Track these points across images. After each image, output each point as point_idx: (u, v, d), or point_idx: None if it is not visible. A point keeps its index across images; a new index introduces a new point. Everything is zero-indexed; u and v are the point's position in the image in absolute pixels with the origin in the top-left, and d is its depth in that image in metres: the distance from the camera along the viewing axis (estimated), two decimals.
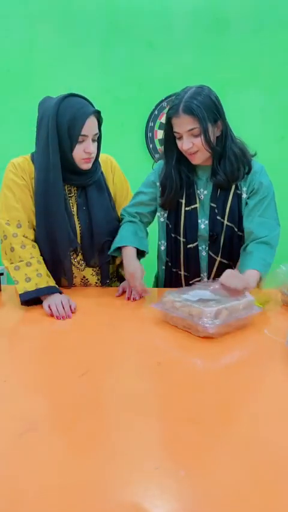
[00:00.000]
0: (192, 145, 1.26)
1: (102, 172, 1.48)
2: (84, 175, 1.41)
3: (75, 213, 1.44)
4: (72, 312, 1.26)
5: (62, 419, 0.77)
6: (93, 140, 1.34)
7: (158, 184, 1.43)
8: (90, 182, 1.42)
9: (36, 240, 1.41)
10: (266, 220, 1.34)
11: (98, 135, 1.36)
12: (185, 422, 0.76)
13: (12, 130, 2.50)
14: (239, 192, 1.35)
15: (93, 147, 1.33)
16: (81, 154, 1.33)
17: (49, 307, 1.26)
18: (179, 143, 1.29)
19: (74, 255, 1.47)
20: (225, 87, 2.37)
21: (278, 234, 1.36)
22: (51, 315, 1.25)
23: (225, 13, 2.36)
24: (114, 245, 1.42)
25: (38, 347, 1.08)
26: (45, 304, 1.28)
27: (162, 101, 2.44)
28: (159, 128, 2.49)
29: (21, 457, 0.67)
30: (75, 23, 2.39)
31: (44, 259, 1.40)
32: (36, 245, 1.40)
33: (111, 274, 1.58)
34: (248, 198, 1.35)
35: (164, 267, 1.51)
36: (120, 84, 2.43)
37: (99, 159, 1.46)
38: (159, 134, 2.50)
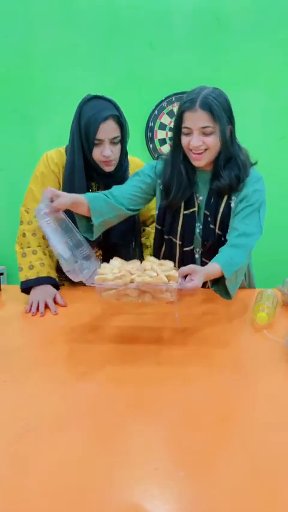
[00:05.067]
0: (202, 144, 1.21)
1: (129, 174, 1.49)
2: (109, 177, 1.42)
3: None
4: (61, 305, 1.33)
5: (62, 419, 0.77)
6: (113, 143, 1.34)
7: (159, 181, 1.37)
8: (114, 184, 1.42)
9: None
10: (246, 227, 1.27)
11: (119, 138, 1.35)
12: (185, 423, 0.76)
13: (12, 130, 2.50)
14: (230, 201, 1.31)
15: (109, 150, 1.33)
16: (100, 157, 1.35)
17: (31, 304, 1.31)
18: (185, 139, 1.24)
19: (96, 249, 1.49)
20: (225, 87, 2.35)
21: (256, 239, 1.29)
22: (29, 311, 1.29)
23: (225, 13, 2.35)
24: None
25: (38, 347, 1.08)
26: (31, 296, 1.33)
27: (162, 101, 2.44)
28: (159, 128, 2.49)
29: (21, 457, 0.67)
30: (75, 23, 2.38)
31: None
32: None
33: None
34: (235, 205, 1.31)
35: None
36: (120, 84, 2.42)
37: (132, 162, 1.49)
38: (159, 134, 2.50)
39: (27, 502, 0.59)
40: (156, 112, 2.47)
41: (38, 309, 1.29)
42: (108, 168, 1.38)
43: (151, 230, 1.61)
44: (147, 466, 0.65)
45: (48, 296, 1.33)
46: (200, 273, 1.08)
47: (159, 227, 1.41)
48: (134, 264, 1.12)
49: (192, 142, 1.22)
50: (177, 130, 1.26)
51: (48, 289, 1.35)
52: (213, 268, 1.16)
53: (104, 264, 1.12)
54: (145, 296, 1.04)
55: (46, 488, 0.61)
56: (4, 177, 2.59)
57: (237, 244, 1.25)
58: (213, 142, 1.22)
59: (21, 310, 1.32)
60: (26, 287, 1.36)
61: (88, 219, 1.24)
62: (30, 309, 1.29)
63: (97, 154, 1.34)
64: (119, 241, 1.48)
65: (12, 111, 2.48)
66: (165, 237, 1.40)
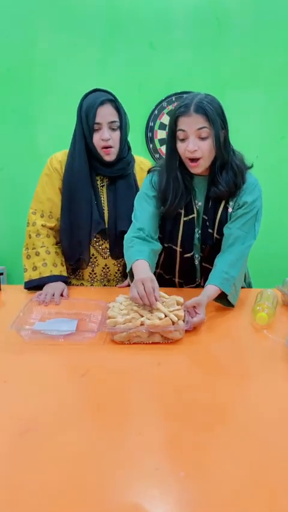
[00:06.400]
0: (198, 149, 1.20)
1: (135, 172, 1.52)
2: (111, 167, 1.46)
3: (105, 201, 1.49)
4: (65, 298, 1.39)
5: (62, 419, 0.77)
6: (112, 129, 1.39)
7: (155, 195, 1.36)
8: (117, 174, 1.47)
9: (60, 225, 1.50)
10: (242, 234, 1.30)
11: (117, 123, 1.39)
12: (185, 423, 0.76)
13: (12, 130, 2.50)
14: (227, 206, 1.32)
15: (107, 134, 1.37)
16: (100, 142, 1.39)
17: (40, 294, 1.38)
18: (182, 146, 1.23)
19: (101, 241, 1.51)
20: (225, 87, 2.36)
21: (250, 245, 1.31)
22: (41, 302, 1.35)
23: (225, 13, 2.35)
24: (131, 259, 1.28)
25: (38, 347, 1.08)
26: (44, 289, 1.41)
27: (162, 101, 2.44)
28: (159, 128, 2.49)
29: (21, 457, 0.67)
30: (75, 22, 2.38)
31: (66, 241, 1.49)
32: (51, 235, 1.50)
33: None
34: (233, 211, 1.32)
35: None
36: (120, 84, 2.42)
37: (141, 162, 1.52)
38: (159, 134, 2.50)
39: (27, 502, 0.59)
40: (156, 112, 2.46)
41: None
42: (108, 157, 1.41)
43: None
44: (147, 466, 0.65)
45: (56, 290, 1.40)
46: (203, 305, 1.16)
47: (159, 236, 1.40)
48: None
49: (189, 146, 1.20)
50: (173, 136, 1.25)
51: (59, 285, 1.43)
52: (212, 290, 1.22)
53: (112, 304, 1.17)
54: (155, 336, 1.08)
55: (46, 488, 0.61)
56: (4, 177, 2.59)
57: (232, 252, 1.29)
58: (208, 148, 1.21)
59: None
60: (30, 286, 1.45)
61: None
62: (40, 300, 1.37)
63: (97, 139, 1.39)
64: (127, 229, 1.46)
65: (12, 111, 2.48)
66: (165, 245, 1.40)
